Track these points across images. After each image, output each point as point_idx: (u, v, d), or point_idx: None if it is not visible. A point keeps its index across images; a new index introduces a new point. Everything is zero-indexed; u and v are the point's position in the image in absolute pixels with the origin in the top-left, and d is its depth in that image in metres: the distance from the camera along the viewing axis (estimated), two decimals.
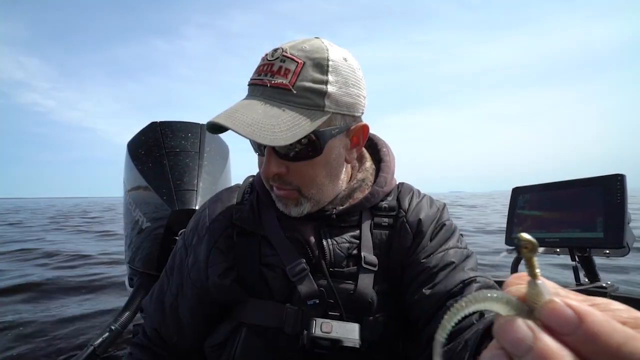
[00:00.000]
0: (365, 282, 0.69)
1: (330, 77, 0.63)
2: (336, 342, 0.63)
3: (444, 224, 0.76)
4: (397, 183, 0.83)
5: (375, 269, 0.71)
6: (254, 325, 0.70)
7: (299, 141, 0.62)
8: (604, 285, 1.27)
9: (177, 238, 1.18)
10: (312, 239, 0.73)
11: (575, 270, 1.35)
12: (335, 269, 0.70)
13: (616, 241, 1.21)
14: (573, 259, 1.33)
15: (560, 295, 0.21)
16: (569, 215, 1.37)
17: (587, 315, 0.18)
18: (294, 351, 0.67)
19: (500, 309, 0.21)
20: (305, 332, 0.64)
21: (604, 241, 1.25)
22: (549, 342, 0.18)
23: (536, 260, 0.21)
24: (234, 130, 0.59)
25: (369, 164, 0.81)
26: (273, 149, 0.65)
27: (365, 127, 0.73)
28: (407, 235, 0.74)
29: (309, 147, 0.65)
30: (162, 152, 1.46)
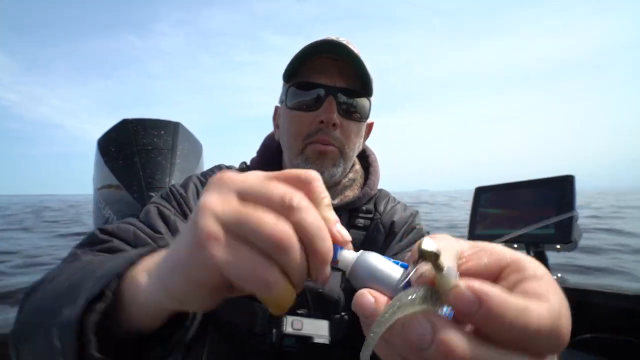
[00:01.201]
0: (333, 280, 0.70)
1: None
2: (307, 339, 0.64)
3: (415, 228, 0.80)
4: None
5: None
6: (222, 321, 0.68)
7: (356, 100, 0.71)
8: (554, 277, 1.40)
9: None
10: None
11: None
12: None
13: (565, 237, 1.33)
14: (529, 254, 1.45)
15: (464, 256, 0.25)
16: (525, 213, 1.48)
17: (484, 296, 0.20)
18: (262, 349, 0.66)
19: (419, 309, 0.22)
20: (274, 330, 0.64)
21: (554, 237, 1.37)
22: (447, 333, 0.20)
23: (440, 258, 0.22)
24: (347, 55, 0.67)
25: (358, 166, 0.85)
26: (334, 100, 0.69)
27: (372, 124, 0.82)
28: (379, 235, 0.78)
29: (361, 111, 0.72)
30: (134, 150, 1.43)
